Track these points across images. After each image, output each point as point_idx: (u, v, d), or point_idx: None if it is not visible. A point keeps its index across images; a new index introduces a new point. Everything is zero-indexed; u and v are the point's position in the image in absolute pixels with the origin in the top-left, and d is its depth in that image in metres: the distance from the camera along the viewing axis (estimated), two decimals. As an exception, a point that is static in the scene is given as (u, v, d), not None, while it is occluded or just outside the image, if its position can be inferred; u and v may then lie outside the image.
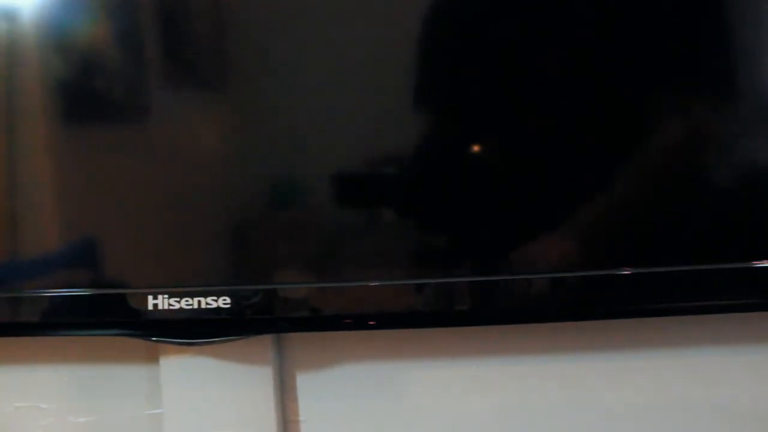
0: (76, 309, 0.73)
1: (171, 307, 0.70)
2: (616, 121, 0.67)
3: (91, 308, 0.73)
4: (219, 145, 0.71)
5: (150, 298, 0.70)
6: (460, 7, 0.67)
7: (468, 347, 0.76)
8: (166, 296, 0.70)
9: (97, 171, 0.72)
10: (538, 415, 0.75)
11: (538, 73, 0.67)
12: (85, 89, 0.71)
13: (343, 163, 0.69)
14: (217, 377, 0.76)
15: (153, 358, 0.79)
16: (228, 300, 0.69)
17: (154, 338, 0.72)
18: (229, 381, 0.76)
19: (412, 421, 0.77)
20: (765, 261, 0.64)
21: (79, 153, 0.73)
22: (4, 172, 0.72)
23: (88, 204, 0.73)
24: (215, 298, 0.69)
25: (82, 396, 0.82)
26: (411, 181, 0.69)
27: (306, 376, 0.78)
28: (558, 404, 0.75)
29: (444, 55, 0.68)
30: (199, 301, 0.69)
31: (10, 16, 0.71)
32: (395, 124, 0.69)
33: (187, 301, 0.70)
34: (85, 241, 0.73)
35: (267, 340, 0.75)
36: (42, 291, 0.72)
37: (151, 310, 0.70)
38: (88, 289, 0.72)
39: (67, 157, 0.73)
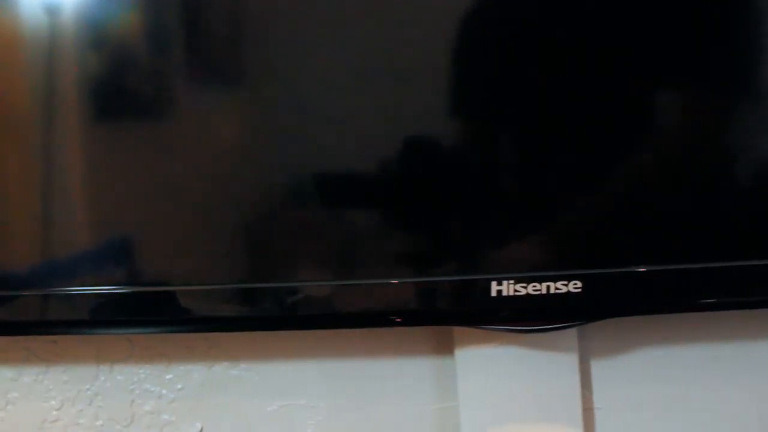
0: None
1: (517, 293, 0.67)
2: (630, 120, 0.67)
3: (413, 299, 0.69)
4: (251, 140, 0.69)
5: (494, 284, 0.67)
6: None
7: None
8: (512, 282, 0.67)
9: (134, 168, 0.69)
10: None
11: (535, 71, 0.66)
12: (119, 86, 0.68)
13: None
14: (518, 367, 0.74)
15: (442, 350, 0.76)
16: (579, 284, 0.67)
17: (491, 326, 0.69)
18: (532, 370, 0.74)
19: (704, 408, 0.77)
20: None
21: (113, 150, 0.69)
22: (43, 170, 0.69)
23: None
24: (565, 282, 0.67)
25: (356, 392, 0.77)
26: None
27: (600, 363, 0.77)
28: None
29: (461, 56, 0.67)
30: (548, 286, 0.67)
31: (52, 10, 0.68)
32: (422, 123, 0.68)
33: (534, 286, 0.67)
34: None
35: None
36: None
37: (494, 297, 0.67)
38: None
39: (101, 155, 0.69)
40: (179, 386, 0.79)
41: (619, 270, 0.67)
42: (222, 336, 0.78)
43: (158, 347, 0.79)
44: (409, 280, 0.68)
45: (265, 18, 0.67)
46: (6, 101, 0.69)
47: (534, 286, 0.67)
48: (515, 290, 0.67)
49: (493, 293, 0.67)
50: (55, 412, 0.80)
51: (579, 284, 0.67)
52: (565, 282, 0.67)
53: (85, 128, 0.69)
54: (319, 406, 0.77)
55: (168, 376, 0.79)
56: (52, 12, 0.68)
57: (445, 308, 0.69)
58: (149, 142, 0.69)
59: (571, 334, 0.74)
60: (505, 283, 0.67)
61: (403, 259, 0.69)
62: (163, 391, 0.79)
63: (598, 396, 0.77)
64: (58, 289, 0.70)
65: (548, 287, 0.67)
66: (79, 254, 0.70)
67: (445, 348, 0.76)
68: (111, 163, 0.69)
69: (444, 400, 0.76)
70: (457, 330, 0.74)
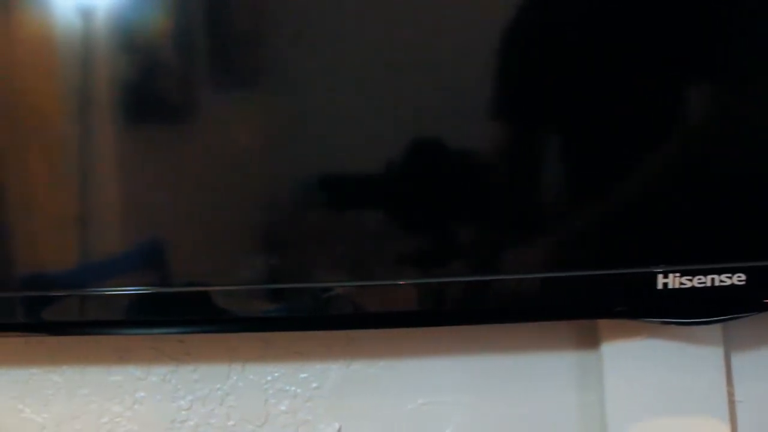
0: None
1: (683, 286, 0.67)
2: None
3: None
4: (286, 140, 0.69)
5: (660, 277, 0.67)
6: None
7: None
8: (677, 275, 0.67)
9: (167, 170, 0.70)
10: None
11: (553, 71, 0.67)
12: (151, 89, 0.69)
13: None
14: (664, 359, 0.74)
15: (584, 344, 0.76)
16: (743, 277, 0.67)
17: (654, 319, 0.69)
18: (678, 363, 0.74)
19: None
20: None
21: (144, 153, 0.70)
22: (79, 171, 0.69)
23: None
24: (729, 275, 0.67)
25: (502, 387, 0.77)
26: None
27: (741, 356, 0.77)
28: None
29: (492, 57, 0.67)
30: (713, 279, 0.67)
31: (86, 13, 0.68)
32: (442, 124, 0.68)
33: (699, 279, 0.67)
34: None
35: (718, 320, 0.74)
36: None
37: (660, 290, 0.67)
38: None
39: (133, 157, 0.70)
40: (315, 385, 0.78)
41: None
42: (360, 334, 0.77)
43: (294, 346, 0.77)
44: (576, 273, 0.68)
45: (290, 22, 0.67)
46: (41, 104, 0.69)
47: (699, 279, 0.67)
48: (681, 283, 0.67)
49: (659, 286, 0.67)
50: (184, 412, 0.79)
51: (743, 277, 0.67)
52: (729, 275, 0.67)
53: (119, 130, 0.69)
54: (460, 403, 0.77)
55: (302, 375, 0.78)
56: (85, 15, 0.67)
57: (609, 301, 0.68)
58: (181, 145, 0.69)
59: (716, 327, 0.74)
60: (671, 276, 0.67)
61: (573, 253, 0.68)
62: (298, 390, 0.78)
63: (740, 388, 0.77)
64: (116, 288, 0.70)
65: (713, 280, 0.67)
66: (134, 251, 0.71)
67: (588, 342, 0.75)
68: (144, 165, 0.69)
69: (586, 393, 0.76)
70: (603, 323, 0.74)
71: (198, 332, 0.76)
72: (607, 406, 0.74)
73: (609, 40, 0.67)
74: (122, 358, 0.79)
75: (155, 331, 0.76)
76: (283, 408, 0.78)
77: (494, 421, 0.77)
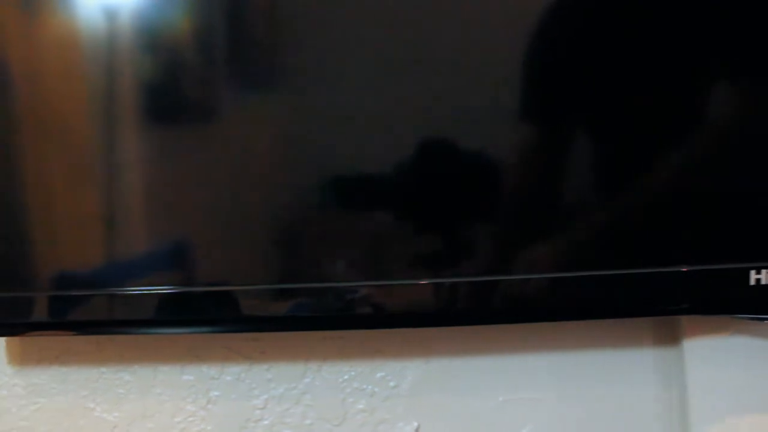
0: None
1: None
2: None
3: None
4: (314, 140, 0.69)
5: (753, 273, 0.66)
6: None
7: None
8: None
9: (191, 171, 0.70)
10: None
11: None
12: (175, 90, 0.70)
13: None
14: (748, 356, 0.73)
15: (664, 340, 0.75)
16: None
17: (744, 315, 0.68)
18: (762, 359, 0.73)
19: None
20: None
21: (169, 153, 0.70)
22: (105, 171, 0.70)
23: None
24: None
25: (581, 384, 0.76)
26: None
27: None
28: None
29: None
30: (806, 275, 0.66)
31: (110, 13, 0.68)
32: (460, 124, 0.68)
33: (787, 274, 0.66)
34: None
35: (801, 315, 0.73)
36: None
37: (752, 286, 0.67)
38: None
39: (158, 158, 0.70)
40: (392, 384, 0.77)
41: None
42: (438, 332, 0.76)
43: (371, 343, 0.77)
44: (669, 270, 0.67)
45: (316, 25, 0.68)
46: (67, 105, 0.70)
47: (785, 275, 0.66)
48: (772, 279, 0.66)
49: (752, 282, 0.66)
50: (258, 411, 0.78)
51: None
52: (826, 270, 0.66)
53: (143, 131, 0.70)
54: (540, 400, 0.76)
55: (380, 374, 0.77)
56: (109, 15, 0.68)
57: (699, 297, 0.68)
58: (207, 144, 0.69)
59: (800, 323, 0.73)
60: (764, 272, 0.66)
61: (665, 249, 0.68)
62: (376, 389, 0.77)
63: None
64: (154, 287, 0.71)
65: (806, 275, 0.66)
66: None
67: (668, 338, 0.75)
68: (169, 166, 0.70)
69: (666, 390, 0.75)
70: (686, 319, 0.73)
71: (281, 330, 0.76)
72: (690, 403, 0.74)
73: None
74: (195, 356, 0.79)
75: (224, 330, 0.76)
76: (360, 407, 0.77)
77: (574, 418, 0.76)
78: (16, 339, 0.80)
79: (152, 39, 0.69)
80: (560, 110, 0.69)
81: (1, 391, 0.80)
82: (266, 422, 0.78)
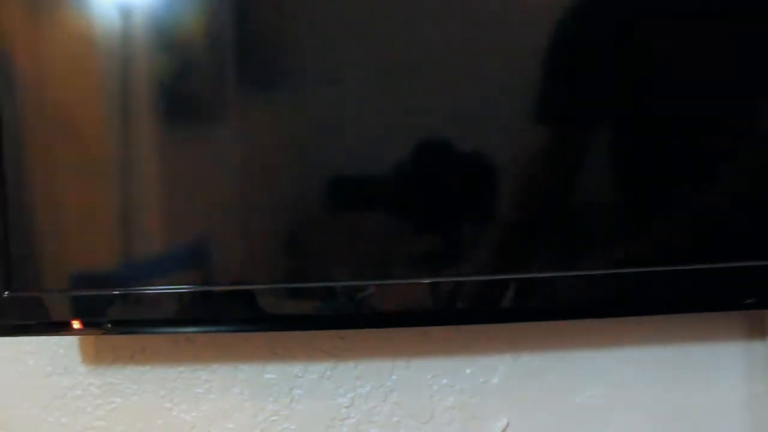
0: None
1: None
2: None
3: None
4: (330, 140, 0.70)
5: None
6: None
7: None
8: None
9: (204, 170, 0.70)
10: None
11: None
12: (189, 90, 0.70)
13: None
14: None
15: (753, 335, 0.76)
16: None
17: None
18: None
19: None
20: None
21: (183, 152, 0.71)
22: (121, 171, 0.70)
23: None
24: None
25: (669, 378, 0.77)
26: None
27: None
28: None
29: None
30: None
31: (125, 12, 0.68)
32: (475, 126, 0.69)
33: None
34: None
35: None
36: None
37: None
38: None
39: (172, 156, 0.71)
40: (481, 380, 0.77)
41: None
42: (526, 327, 0.76)
43: (459, 339, 0.76)
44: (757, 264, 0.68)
45: (325, 26, 0.68)
46: (84, 107, 0.70)
47: None
48: None
49: None
50: (344, 410, 0.77)
51: None
52: None
53: (159, 132, 0.70)
54: (628, 395, 0.76)
55: (468, 370, 0.77)
56: (125, 14, 0.68)
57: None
58: (222, 145, 0.70)
59: None
60: None
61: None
62: (464, 386, 0.77)
63: None
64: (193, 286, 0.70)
65: None
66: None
67: (756, 332, 0.76)
68: (184, 166, 0.70)
69: (755, 384, 0.77)
70: (774, 314, 0.75)
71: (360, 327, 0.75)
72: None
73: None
74: (277, 355, 0.77)
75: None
76: (448, 404, 0.77)
77: (662, 412, 0.77)
78: (90, 338, 0.78)
79: (165, 39, 0.69)
80: (575, 111, 0.69)
81: (76, 390, 0.78)
82: (353, 420, 0.77)
